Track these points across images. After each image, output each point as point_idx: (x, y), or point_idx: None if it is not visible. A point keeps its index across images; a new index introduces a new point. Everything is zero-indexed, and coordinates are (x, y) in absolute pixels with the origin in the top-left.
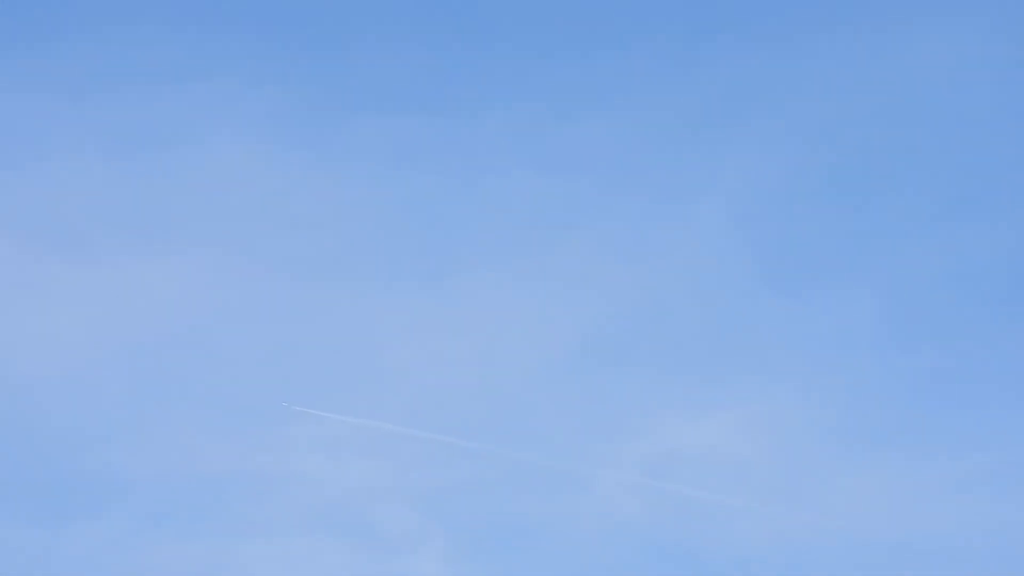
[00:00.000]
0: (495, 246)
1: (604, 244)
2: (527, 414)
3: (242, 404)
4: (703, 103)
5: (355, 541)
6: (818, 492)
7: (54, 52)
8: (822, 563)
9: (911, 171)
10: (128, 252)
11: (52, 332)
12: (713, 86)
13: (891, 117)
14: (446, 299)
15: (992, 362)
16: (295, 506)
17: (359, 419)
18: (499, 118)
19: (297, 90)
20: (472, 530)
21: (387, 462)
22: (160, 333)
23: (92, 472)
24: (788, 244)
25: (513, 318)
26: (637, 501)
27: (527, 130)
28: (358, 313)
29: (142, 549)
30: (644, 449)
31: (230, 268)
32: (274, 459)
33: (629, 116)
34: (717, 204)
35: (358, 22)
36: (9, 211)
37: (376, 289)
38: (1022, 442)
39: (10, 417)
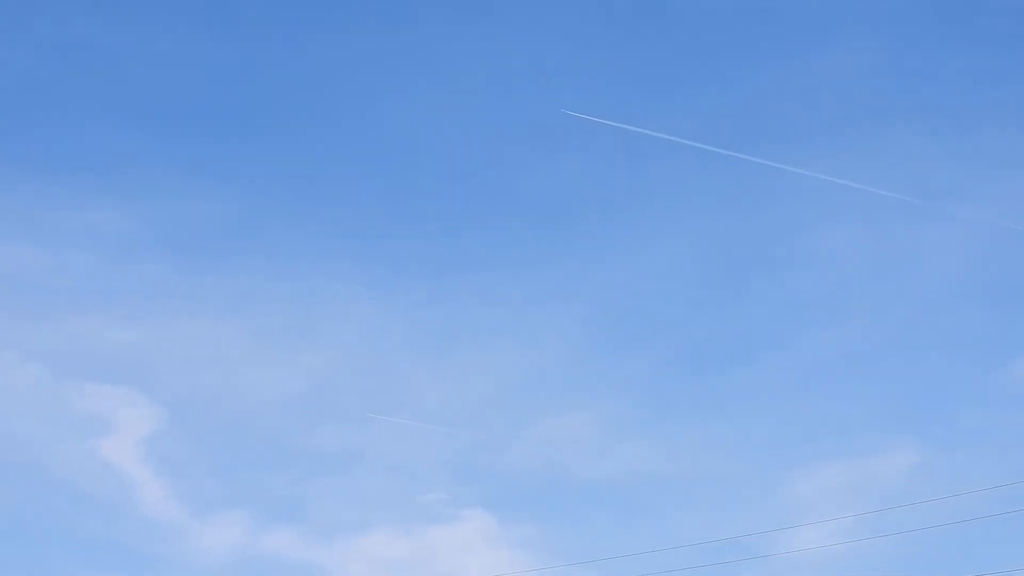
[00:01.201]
0: (456, 354)
1: (499, 339)
2: (476, 420)
3: (349, 414)
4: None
5: (400, 476)
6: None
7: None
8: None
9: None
10: (298, 348)
11: (263, 378)
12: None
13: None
14: (441, 374)
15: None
16: (363, 456)
17: (402, 420)
18: (468, 283)
19: (370, 262)
20: (455, 468)
21: (415, 440)
22: (309, 384)
23: (296, 443)
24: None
25: (469, 383)
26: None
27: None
28: (397, 377)
29: (308, 484)
30: (536, 434)
31: (338, 355)
32: (366, 438)
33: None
34: (569, 314)
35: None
36: (244, 323)
37: (408, 366)
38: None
39: (254, 418)
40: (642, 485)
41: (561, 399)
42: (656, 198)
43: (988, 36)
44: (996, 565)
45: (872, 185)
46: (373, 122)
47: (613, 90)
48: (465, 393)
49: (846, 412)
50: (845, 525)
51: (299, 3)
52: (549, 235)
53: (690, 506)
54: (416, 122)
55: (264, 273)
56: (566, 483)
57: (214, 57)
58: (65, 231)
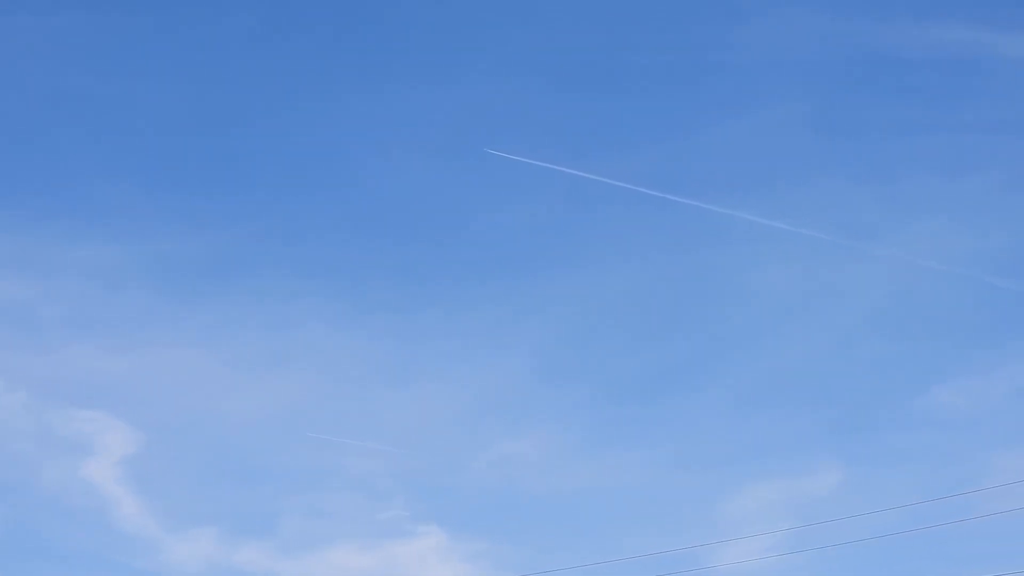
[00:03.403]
0: (414, 383)
1: (454, 370)
2: (432, 444)
3: (316, 438)
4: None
5: (362, 494)
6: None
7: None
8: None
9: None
10: (269, 376)
11: (235, 404)
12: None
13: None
14: (400, 401)
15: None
16: (329, 476)
17: (365, 443)
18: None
19: (336, 298)
20: (413, 487)
21: (376, 462)
22: (278, 409)
23: (267, 464)
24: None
25: (426, 410)
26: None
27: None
28: (360, 404)
29: (277, 502)
30: (488, 456)
31: (306, 383)
32: (331, 459)
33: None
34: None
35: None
36: (219, 353)
37: (370, 393)
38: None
39: (227, 441)
40: (586, 503)
41: (511, 424)
42: (601, 239)
43: (903, 92)
44: None
45: (801, 227)
46: (342, 174)
47: (561, 139)
48: (422, 419)
49: (776, 435)
50: (776, 540)
51: (275, 64)
52: (501, 274)
53: (632, 522)
54: (381, 172)
55: (238, 307)
56: (515, 501)
57: (198, 111)
58: (53, 266)
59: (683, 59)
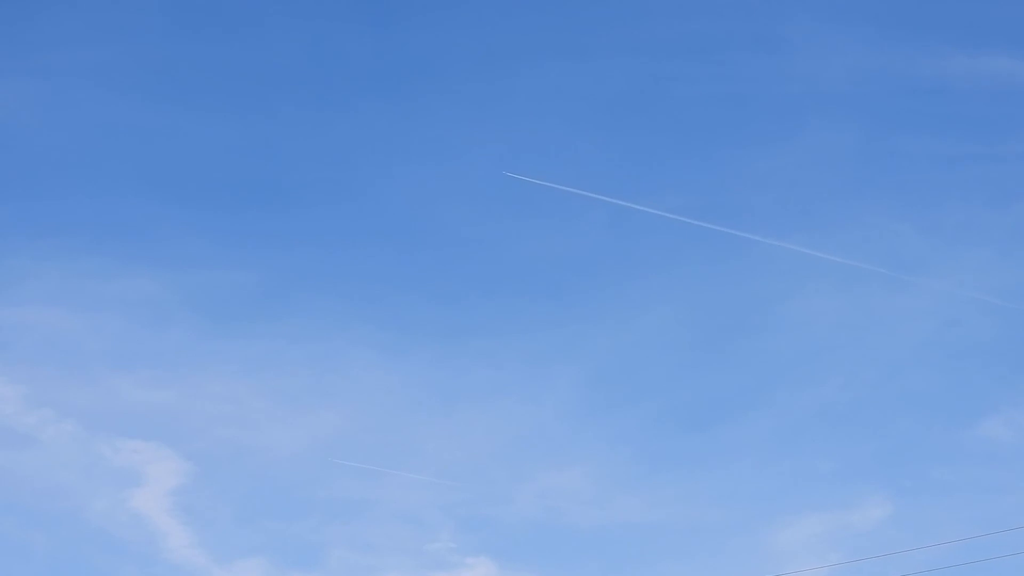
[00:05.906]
0: (460, 412)
1: (500, 399)
2: (478, 475)
3: (362, 468)
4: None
5: (409, 525)
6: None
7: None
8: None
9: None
10: (315, 406)
11: (282, 434)
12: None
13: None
14: (446, 431)
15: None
16: (375, 507)
17: (410, 474)
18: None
19: (381, 327)
20: (460, 518)
21: (423, 492)
22: (324, 440)
23: (313, 495)
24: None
25: (471, 440)
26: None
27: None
28: (406, 434)
29: (324, 533)
30: (535, 486)
31: (351, 413)
32: (377, 490)
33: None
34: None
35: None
36: (264, 383)
37: (415, 423)
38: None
39: (273, 471)
40: (634, 535)
41: (558, 454)
42: (645, 268)
43: (948, 121)
44: None
45: (844, 257)
46: (385, 199)
47: (605, 168)
48: (469, 448)
49: (823, 467)
50: (823, 574)
51: (316, 88)
52: (546, 302)
53: (679, 555)
54: (423, 198)
55: (283, 337)
56: (563, 533)
57: (239, 137)
58: (100, 297)
59: (725, 88)
